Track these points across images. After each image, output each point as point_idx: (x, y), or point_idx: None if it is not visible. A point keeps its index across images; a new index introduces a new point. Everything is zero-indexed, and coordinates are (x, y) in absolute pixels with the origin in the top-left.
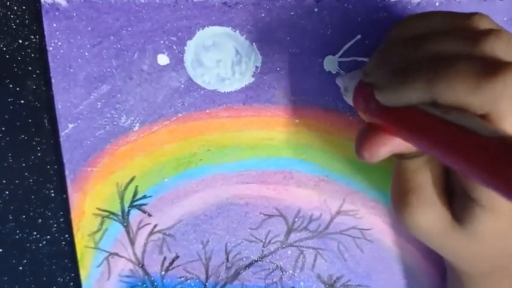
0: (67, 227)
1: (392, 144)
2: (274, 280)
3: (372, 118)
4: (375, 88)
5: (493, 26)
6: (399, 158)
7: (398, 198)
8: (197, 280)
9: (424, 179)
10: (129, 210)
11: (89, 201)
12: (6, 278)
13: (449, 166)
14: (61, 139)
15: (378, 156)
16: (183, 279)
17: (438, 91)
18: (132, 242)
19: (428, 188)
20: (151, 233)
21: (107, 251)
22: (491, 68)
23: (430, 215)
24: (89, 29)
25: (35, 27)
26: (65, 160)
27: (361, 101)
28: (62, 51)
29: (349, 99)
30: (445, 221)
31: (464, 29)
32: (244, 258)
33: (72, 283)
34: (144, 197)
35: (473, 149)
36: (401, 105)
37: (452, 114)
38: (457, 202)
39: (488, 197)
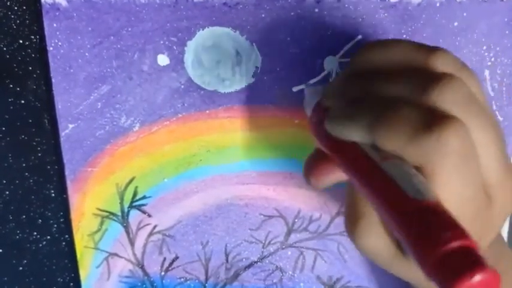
0: (67, 227)
1: (338, 174)
2: (274, 281)
3: (321, 143)
4: (327, 115)
5: (453, 65)
6: (349, 181)
7: (348, 221)
8: (197, 281)
9: (370, 205)
10: (128, 211)
11: (88, 202)
12: (6, 278)
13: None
14: (61, 139)
15: (323, 184)
16: (182, 279)
17: (377, 136)
18: (132, 243)
19: (374, 214)
20: (151, 234)
21: (107, 252)
22: (428, 121)
23: (376, 242)
24: (89, 29)
25: (35, 27)
26: (65, 160)
27: (314, 123)
28: (62, 51)
29: (306, 110)
30: (390, 250)
31: (419, 71)
32: (244, 259)
33: (72, 283)
34: (144, 197)
35: (394, 206)
36: (345, 139)
37: (388, 162)
38: None
39: None
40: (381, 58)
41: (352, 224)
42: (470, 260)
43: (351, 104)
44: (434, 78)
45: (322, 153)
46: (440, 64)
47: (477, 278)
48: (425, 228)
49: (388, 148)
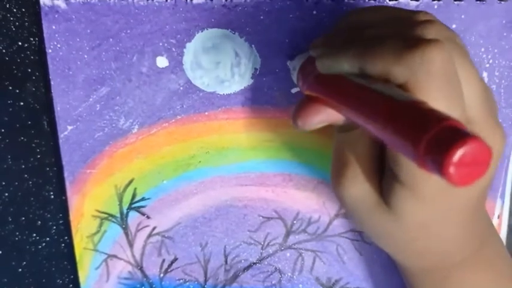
0: (66, 229)
1: (324, 114)
2: (273, 282)
3: (310, 90)
4: (316, 58)
5: (436, 18)
6: (337, 130)
7: (334, 172)
8: (196, 282)
9: (356, 153)
10: (127, 213)
11: (87, 203)
12: (5, 279)
13: (370, 132)
14: (60, 141)
15: (310, 124)
16: (181, 281)
17: (365, 61)
18: (131, 244)
19: (360, 162)
20: (150, 235)
21: (106, 253)
22: (412, 42)
23: (360, 189)
24: (88, 31)
25: (34, 30)
26: (64, 162)
27: (302, 75)
28: (61, 53)
29: (294, 78)
30: (373, 198)
31: (405, 18)
32: (243, 261)
33: (71, 285)
34: (143, 199)
35: (387, 112)
36: (335, 72)
37: (376, 84)
38: (385, 181)
39: (407, 172)
40: (369, 16)
41: (338, 173)
42: (461, 133)
43: (339, 44)
44: (419, 20)
45: (308, 98)
46: (423, 17)
47: (469, 147)
48: (414, 116)
49: (375, 71)
